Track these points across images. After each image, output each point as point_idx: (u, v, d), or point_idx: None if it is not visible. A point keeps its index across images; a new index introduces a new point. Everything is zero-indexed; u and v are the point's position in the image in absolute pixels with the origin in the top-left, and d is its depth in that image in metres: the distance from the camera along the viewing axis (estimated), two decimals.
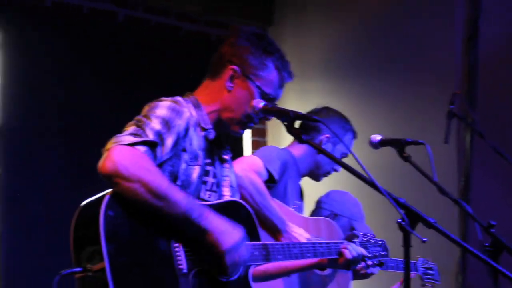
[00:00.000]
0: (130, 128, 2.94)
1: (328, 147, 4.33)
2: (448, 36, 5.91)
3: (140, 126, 2.94)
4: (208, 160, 3.23)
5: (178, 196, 2.89)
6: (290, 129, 3.15)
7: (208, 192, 3.23)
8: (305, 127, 4.39)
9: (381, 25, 6.39)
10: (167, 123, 2.99)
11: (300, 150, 4.32)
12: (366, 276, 4.31)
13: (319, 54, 6.88)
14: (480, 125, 5.78)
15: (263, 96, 3.21)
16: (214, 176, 3.26)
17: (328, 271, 4.16)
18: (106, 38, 6.12)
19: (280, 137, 6.35)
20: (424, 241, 3.08)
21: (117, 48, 6.14)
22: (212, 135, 3.21)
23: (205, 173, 3.21)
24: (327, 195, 4.65)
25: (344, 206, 4.53)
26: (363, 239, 3.77)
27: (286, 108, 3.18)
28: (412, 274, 4.77)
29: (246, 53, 3.21)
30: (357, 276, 4.29)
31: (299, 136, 3.13)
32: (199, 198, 3.17)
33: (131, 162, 2.81)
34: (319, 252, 3.52)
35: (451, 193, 5.75)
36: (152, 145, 2.91)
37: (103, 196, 2.85)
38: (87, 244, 2.86)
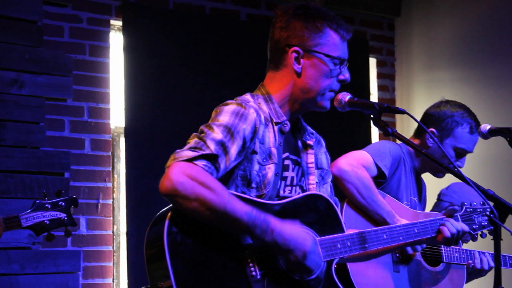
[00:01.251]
0: (192, 141, 2.89)
1: (437, 140, 4.15)
2: None
3: (201, 138, 2.88)
4: (287, 154, 3.17)
5: (238, 212, 2.81)
6: (377, 122, 3.09)
7: (289, 188, 3.15)
8: (423, 122, 4.28)
9: (508, 13, 6.31)
10: (229, 130, 2.92)
11: (415, 143, 4.18)
12: (481, 273, 4.14)
13: (447, 43, 6.82)
14: None
15: (334, 60, 3.11)
16: (296, 168, 3.19)
17: (440, 267, 4.07)
18: (230, 38, 6.15)
19: (409, 129, 6.23)
20: None
21: (241, 47, 6.16)
22: (287, 127, 3.14)
23: (284, 168, 3.13)
24: (448, 187, 4.51)
25: (464, 196, 4.37)
26: (467, 210, 3.60)
27: (371, 100, 3.10)
28: None
29: (300, 30, 3.09)
30: (473, 274, 4.13)
31: (385, 128, 3.06)
32: (278, 196, 3.10)
33: (188, 180, 2.76)
34: (413, 233, 3.37)
35: None
36: (212, 158, 2.86)
37: (167, 211, 2.84)
38: (155, 262, 2.86)
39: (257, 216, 2.83)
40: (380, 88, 7.09)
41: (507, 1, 6.32)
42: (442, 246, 3.96)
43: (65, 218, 3.94)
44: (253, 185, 3.01)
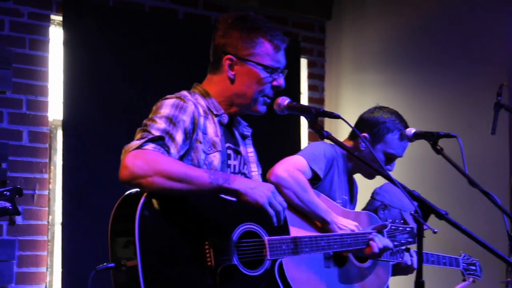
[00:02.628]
0: (138, 135, 3.01)
1: (367, 146, 4.25)
2: (501, 27, 5.83)
3: (145, 130, 3.00)
4: (229, 144, 3.30)
5: (198, 172, 2.96)
6: (313, 125, 3.19)
7: (233, 175, 3.21)
8: (357, 126, 4.36)
9: (436, 17, 6.38)
10: (171, 120, 3.04)
11: (349, 146, 4.26)
12: (407, 271, 4.33)
13: (376, 46, 6.89)
14: None
15: (266, 69, 3.24)
16: (238, 157, 3.34)
17: (367, 263, 4.13)
18: (168, 35, 6.18)
19: (337, 129, 6.35)
20: (435, 232, 3.10)
21: (178, 45, 6.19)
22: (225, 119, 3.27)
23: (227, 157, 3.27)
24: (381, 186, 4.59)
25: (395, 197, 4.48)
26: (392, 228, 3.81)
27: (308, 105, 3.23)
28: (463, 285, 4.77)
29: (235, 39, 3.24)
30: (398, 271, 4.32)
31: (320, 132, 3.16)
32: None
33: (142, 161, 2.88)
34: (346, 244, 3.62)
35: (503, 183, 5.73)
36: (158, 140, 2.97)
37: (141, 195, 2.92)
38: (123, 239, 2.95)
39: (216, 172, 3.02)
40: (310, 88, 7.15)
41: (432, 7, 6.41)
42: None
43: (10, 207, 3.97)
44: None
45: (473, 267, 4.58)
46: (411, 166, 5.75)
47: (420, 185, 4.78)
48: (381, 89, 6.75)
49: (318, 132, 3.17)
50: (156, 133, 2.98)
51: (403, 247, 3.94)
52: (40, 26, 5.65)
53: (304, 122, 6.81)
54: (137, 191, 2.96)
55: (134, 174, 2.88)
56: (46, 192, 5.58)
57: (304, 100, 7.10)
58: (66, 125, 5.66)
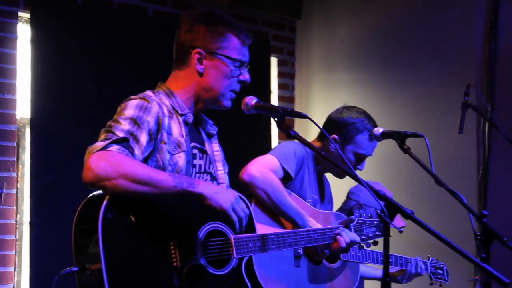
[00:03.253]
0: (102, 135, 2.98)
1: (337, 147, 4.24)
2: (469, 27, 5.86)
3: (109, 131, 2.97)
4: (194, 143, 3.29)
5: (162, 175, 2.95)
6: (280, 125, 3.19)
7: (198, 175, 3.28)
8: (323, 127, 4.35)
9: (405, 17, 6.40)
10: (135, 121, 3.03)
11: (317, 146, 4.29)
12: (410, 278, 4.39)
13: (346, 46, 6.89)
14: (500, 116, 5.74)
15: (234, 62, 3.27)
16: (203, 156, 3.32)
17: (337, 264, 4.17)
18: (137, 34, 6.16)
19: (308, 128, 6.35)
20: (401, 231, 3.11)
21: (147, 42, 6.15)
22: (190, 119, 3.26)
23: (193, 156, 3.26)
24: (356, 186, 4.63)
25: (371, 196, 4.52)
26: (359, 221, 3.83)
27: (275, 105, 3.23)
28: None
29: (203, 33, 3.25)
30: (409, 278, 4.39)
31: (288, 131, 3.15)
32: None
33: (106, 163, 2.86)
34: (313, 239, 3.63)
35: (471, 182, 5.77)
36: (123, 141, 2.95)
37: (104, 197, 2.90)
38: (86, 242, 2.92)
39: (181, 176, 3.01)
40: (280, 86, 7.14)
41: (402, 7, 6.43)
42: None
43: None
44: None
45: (440, 271, 4.63)
46: (379, 166, 5.82)
47: (388, 184, 4.82)
48: (351, 88, 6.76)
49: (285, 132, 3.16)
50: (120, 134, 2.96)
51: (371, 241, 3.94)
52: (7, 23, 5.60)
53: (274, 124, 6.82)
54: (100, 193, 2.93)
55: (98, 176, 2.85)
56: (14, 191, 5.54)
57: (274, 98, 7.11)
58: (34, 123, 5.61)
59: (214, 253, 3.12)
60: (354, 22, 6.84)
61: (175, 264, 2.99)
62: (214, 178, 3.37)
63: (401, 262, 4.44)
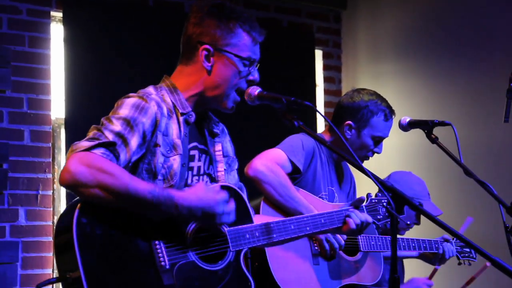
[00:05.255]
0: (91, 133, 2.87)
1: (353, 133, 4.21)
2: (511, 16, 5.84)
3: (99, 129, 2.86)
4: (195, 143, 3.17)
5: (141, 192, 2.80)
6: (284, 115, 3.07)
7: (196, 177, 3.15)
8: (334, 115, 4.35)
9: (450, 6, 6.36)
10: (129, 122, 2.90)
11: (329, 136, 4.25)
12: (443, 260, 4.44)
13: (392, 36, 6.85)
14: None
15: (244, 61, 3.12)
16: (203, 156, 3.21)
17: (358, 256, 4.13)
18: (170, 29, 6.07)
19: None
20: (411, 227, 2.94)
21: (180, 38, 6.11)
22: (192, 118, 3.12)
23: (190, 158, 3.13)
24: (389, 176, 4.62)
25: (406, 186, 4.47)
26: (372, 201, 3.64)
27: (279, 94, 3.08)
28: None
29: (212, 28, 3.10)
30: (440, 261, 4.44)
31: (291, 122, 3.04)
32: (187, 185, 3.09)
33: (86, 168, 2.74)
34: (320, 223, 3.41)
35: None
36: (109, 146, 2.83)
37: (77, 202, 2.79)
38: (64, 252, 2.82)
39: (160, 193, 2.82)
40: (326, 79, 7.08)
41: None
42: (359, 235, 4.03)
43: None
44: (159, 177, 3.00)
45: (467, 250, 4.59)
46: (406, 155, 5.94)
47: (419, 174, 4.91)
48: (398, 79, 6.73)
49: (289, 123, 3.05)
50: (110, 136, 2.84)
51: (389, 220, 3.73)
52: (40, 23, 5.60)
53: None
54: (75, 201, 2.82)
55: (76, 181, 2.73)
56: (50, 192, 5.52)
57: (320, 92, 7.03)
58: (69, 123, 5.58)
59: (206, 248, 3.00)
60: (400, 11, 6.78)
61: (162, 263, 2.87)
62: (213, 179, 3.23)
63: (435, 246, 4.43)
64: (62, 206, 5.60)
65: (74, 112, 5.60)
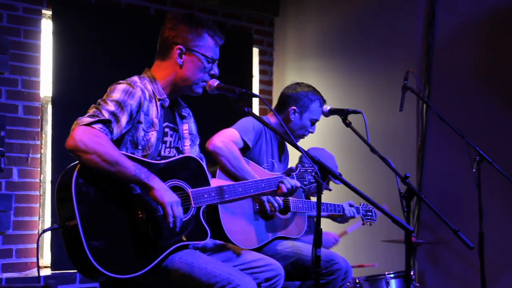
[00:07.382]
0: (91, 110, 3.04)
1: (296, 116, 4.32)
2: (411, 25, 5.85)
3: (98, 108, 3.02)
4: (167, 123, 3.32)
5: (128, 163, 2.96)
6: (237, 102, 3.23)
7: (168, 149, 3.31)
8: (279, 102, 4.43)
9: (362, 15, 6.39)
10: (120, 104, 3.06)
11: (274, 118, 4.34)
12: (346, 220, 4.48)
13: (314, 38, 6.86)
14: (435, 98, 5.78)
15: (208, 59, 3.29)
16: (174, 134, 3.34)
17: (288, 215, 4.21)
18: (140, 28, 6.14)
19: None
20: (330, 190, 3.15)
21: (149, 37, 6.09)
22: (167, 103, 3.28)
23: (164, 134, 3.29)
24: (307, 151, 4.59)
25: (321, 159, 4.52)
26: (301, 170, 3.74)
27: (233, 86, 3.25)
28: (354, 226, 4.90)
29: (185, 32, 3.27)
30: (341, 220, 4.48)
31: (242, 108, 3.20)
32: (160, 155, 3.26)
33: (87, 138, 2.89)
34: (261, 187, 3.51)
35: (411, 151, 5.80)
36: (106, 122, 2.99)
37: (76, 165, 2.94)
38: (64, 205, 2.93)
39: (142, 169, 2.99)
40: (261, 72, 7.11)
41: (359, 7, 6.36)
42: (289, 198, 4.10)
43: None
44: (139, 147, 3.15)
45: (370, 213, 4.66)
46: (326, 137, 5.97)
47: (333, 152, 4.93)
48: (319, 73, 6.73)
49: (241, 109, 3.21)
50: (106, 114, 3.00)
51: (313, 185, 3.89)
52: (33, 18, 5.60)
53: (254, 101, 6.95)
54: (74, 164, 2.97)
55: (78, 147, 2.89)
56: (38, 156, 5.55)
57: (255, 82, 7.08)
58: (55, 100, 5.63)
59: None
60: (322, 19, 6.78)
61: (140, 216, 3.02)
62: (180, 151, 3.40)
63: (338, 209, 4.46)
64: (47, 166, 5.64)
65: (59, 91, 5.64)
